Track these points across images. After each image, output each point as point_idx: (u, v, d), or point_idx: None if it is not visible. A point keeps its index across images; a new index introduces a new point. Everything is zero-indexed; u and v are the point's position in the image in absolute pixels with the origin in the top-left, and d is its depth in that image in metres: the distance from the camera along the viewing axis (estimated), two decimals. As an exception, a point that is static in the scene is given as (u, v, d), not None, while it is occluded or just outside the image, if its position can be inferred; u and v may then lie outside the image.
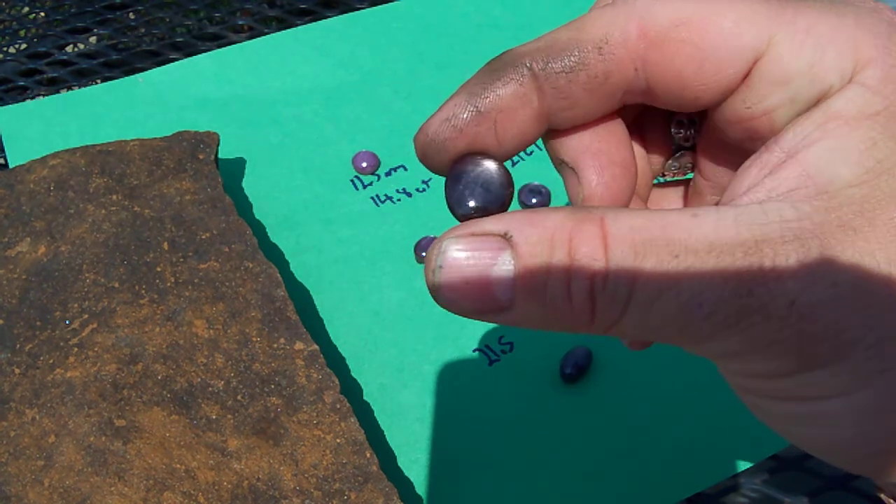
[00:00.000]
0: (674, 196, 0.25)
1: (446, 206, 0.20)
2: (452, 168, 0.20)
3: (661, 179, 0.24)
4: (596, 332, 0.19)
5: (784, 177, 0.18)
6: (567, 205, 0.19)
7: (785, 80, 0.19)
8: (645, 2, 0.19)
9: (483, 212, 0.19)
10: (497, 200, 0.19)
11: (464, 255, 0.18)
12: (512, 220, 0.18)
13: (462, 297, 0.18)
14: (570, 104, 0.20)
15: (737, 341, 0.18)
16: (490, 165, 0.20)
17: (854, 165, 0.18)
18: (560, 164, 0.22)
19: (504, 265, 0.18)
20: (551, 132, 0.21)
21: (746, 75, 0.19)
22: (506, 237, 0.18)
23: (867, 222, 0.17)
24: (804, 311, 0.17)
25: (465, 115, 0.20)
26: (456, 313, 0.19)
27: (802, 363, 0.18)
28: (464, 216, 0.19)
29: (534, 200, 0.47)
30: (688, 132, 0.23)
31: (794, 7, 0.19)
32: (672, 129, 0.23)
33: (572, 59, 0.19)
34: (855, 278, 0.17)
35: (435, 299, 0.19)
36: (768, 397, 0.20)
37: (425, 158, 0.20)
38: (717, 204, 0.19)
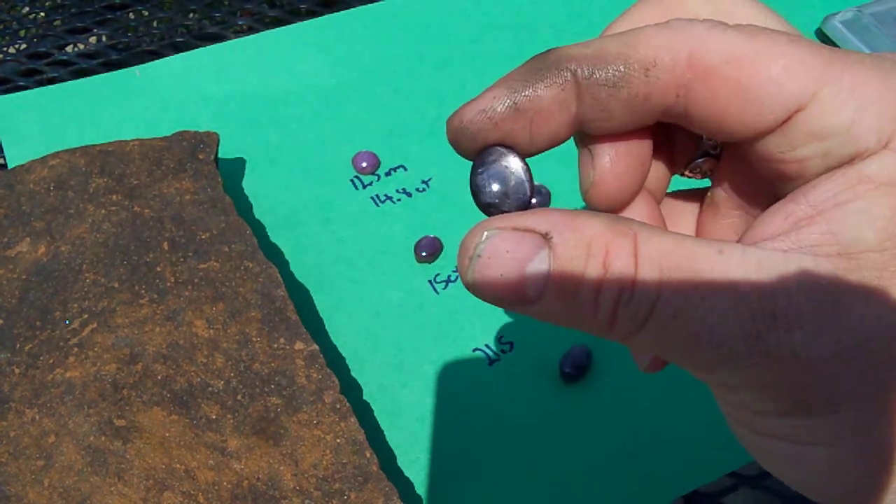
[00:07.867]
0: (688, 210, 0.25)
1: (469, 191, 0.21)
2: (480, 155, 0.20)
3: (680, 177, 0.25)
4: (611, 339, 0.19)
5: (810, 231, 0.18)
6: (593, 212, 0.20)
7: (822, 136, 0.19)
8: (700, 31, 0.19)
9: (504, 204, 0.20)
10: (520, 195, 0.20)
11: (504, 246, 0.18)
12: (553, 221, 0.18)
13: (493, 286, 0.19)
14: (607, 116, 0.20)
15: (737, 376, 0.19)
16: (516, 160, 0.20)
17: (879, 231, 0.18)
18: (578, 140, 0.22)
19: (540, 263, 0.18)
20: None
21: (785, 122, 0.19)
22: (546, 237, 0.18)
23: (881, 287, 0.18)
24: (805, 362, 0.18)
25: (501, 110, 0.20)
26: (481, 299, 0.19)
27: (795, 408, 0.19)
28: (486, 205, 0.20)
29: (533, 201, 0.47)
30: (717, 144, 0.23)
31: (842, 62, 0.19)
32: (704, 138, 0.23)
33: (617, 74, 0.19)
34: (858, 338, 0.18)
35: (465, 285, 0.19)
36: (758, 433, 0.20)
37: (455, 143, 0.21)
38: (739, 240, 0.20)
